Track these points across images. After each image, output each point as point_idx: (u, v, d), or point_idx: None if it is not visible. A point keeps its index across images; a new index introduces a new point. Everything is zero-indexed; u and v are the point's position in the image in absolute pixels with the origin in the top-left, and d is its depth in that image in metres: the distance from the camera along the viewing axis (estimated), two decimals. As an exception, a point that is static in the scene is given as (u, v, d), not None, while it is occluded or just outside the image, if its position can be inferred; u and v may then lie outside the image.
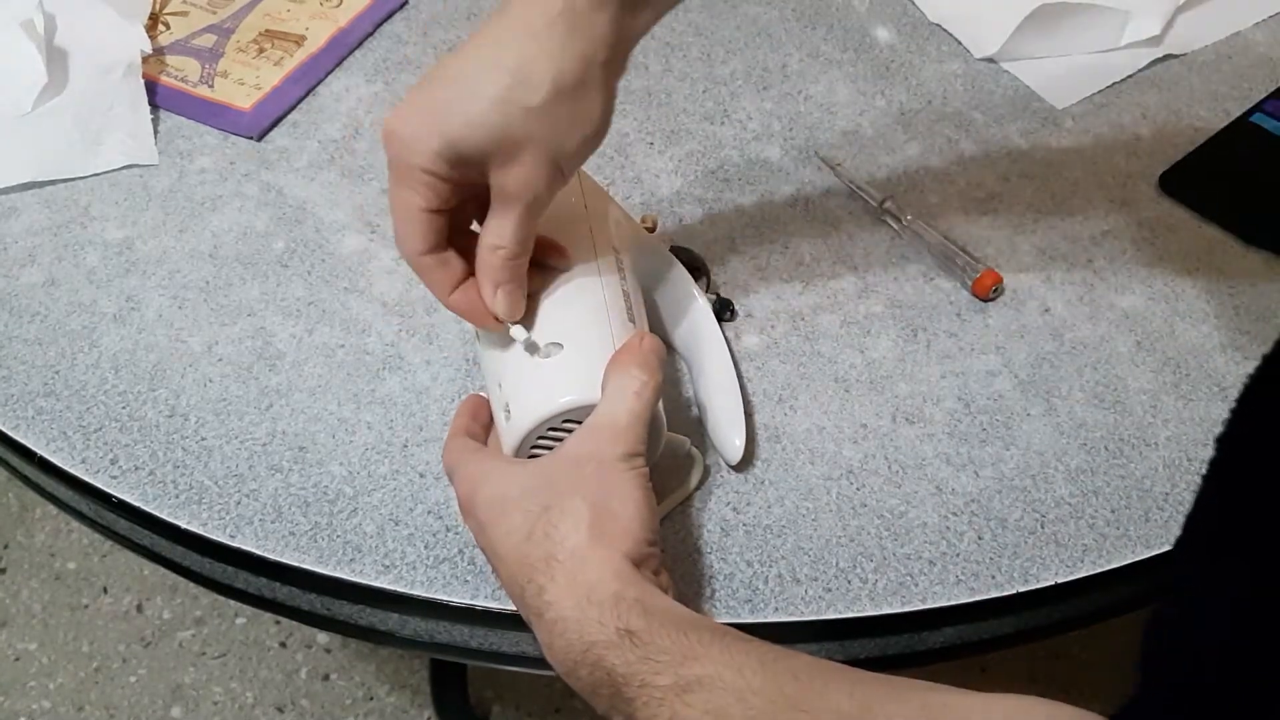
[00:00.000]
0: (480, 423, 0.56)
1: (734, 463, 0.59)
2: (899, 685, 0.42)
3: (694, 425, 0.61)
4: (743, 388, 0.62)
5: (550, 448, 0.52)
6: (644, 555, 0.47)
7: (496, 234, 0.50)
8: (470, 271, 0.52)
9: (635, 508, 0.48)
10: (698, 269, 0.65)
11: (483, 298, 0.52)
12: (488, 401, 0.56)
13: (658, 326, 0.64)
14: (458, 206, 0.51)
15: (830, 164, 0.73)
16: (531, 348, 0.52)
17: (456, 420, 0.56)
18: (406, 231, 0.50)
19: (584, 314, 0.54)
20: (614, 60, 0.50)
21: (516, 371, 0.53)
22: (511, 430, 0.52)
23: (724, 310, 0.65)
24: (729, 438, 0.59)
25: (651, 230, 0.64)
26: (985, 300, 0.67)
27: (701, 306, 0.62)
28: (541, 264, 0.54)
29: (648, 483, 0.50)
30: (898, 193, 0.72)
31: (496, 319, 0.52)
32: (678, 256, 0.64)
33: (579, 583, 0.46)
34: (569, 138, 0.49)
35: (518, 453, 0.53)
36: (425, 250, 0.51)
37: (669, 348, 0.63)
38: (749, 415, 0.61)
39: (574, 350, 0.52)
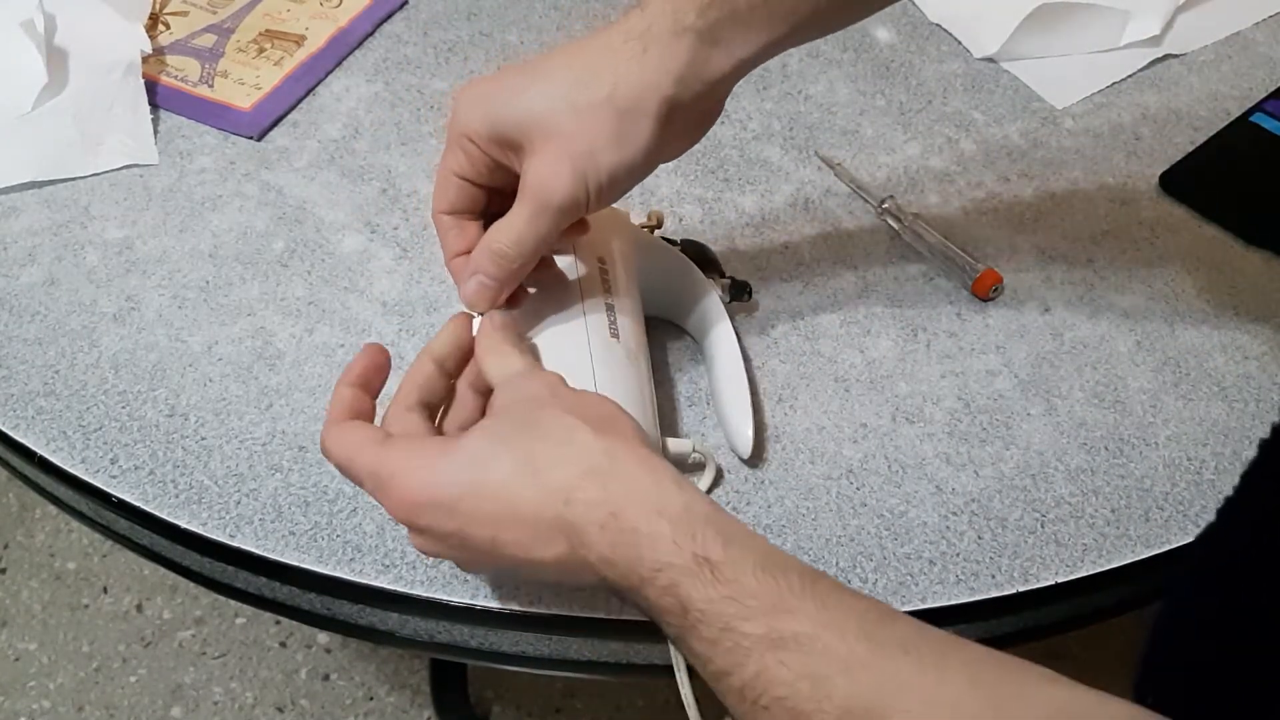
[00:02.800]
0: (371, 393, 0.50)
1: (745, 455, 0.59)
2: (1024, 677, 0.38)
3: (711, 420, 0.62)
4: (752, 380, 0.62)
5: None
6: (652, 446, 0.44)
7: (500, 228, 0.50)
8: None
9: (609, 402, 0.46)
10: (709, 261, 0.65)
11: (464, 276, 0.51)
12: (384, 363, 0.51)
13: (673, 323, 0.65)
14: (496, 191, 0.52)
15: (830, 164, 0.73)
16: None
17: (341, 390, 0.49)
18: (439, 188, 0.52)
19: (563, 339, 0.54)
20: (681, 97, 0.49)
21: None
22: None
23: (741, 292, 0.64)
24: (739, 429, 0.59)
25: (658, 226, 0.64)
26: (985, 300, 0.67)
27: (711, 300, 0.62)
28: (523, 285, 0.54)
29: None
30: (898, 193, 0.72)
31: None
32: (688, 250, 0.63)
33: (635, 487, 0.42)
34: (604, 153, 0.48)
35: None
36: (446, 210, 0.52)
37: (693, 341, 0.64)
38: (759, 410, 0.61)
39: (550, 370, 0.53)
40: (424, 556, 0.56)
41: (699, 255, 0.64)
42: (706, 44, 0.48)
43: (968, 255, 0.67)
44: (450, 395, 0.52)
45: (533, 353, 0.52)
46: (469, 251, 0.52)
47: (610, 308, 0.56)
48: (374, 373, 0.50)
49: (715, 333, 0.61)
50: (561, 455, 0.43)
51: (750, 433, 0.58)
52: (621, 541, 0.41)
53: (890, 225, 0.70)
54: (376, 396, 0.50)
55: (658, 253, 0.62)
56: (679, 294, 0.63)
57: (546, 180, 0.48)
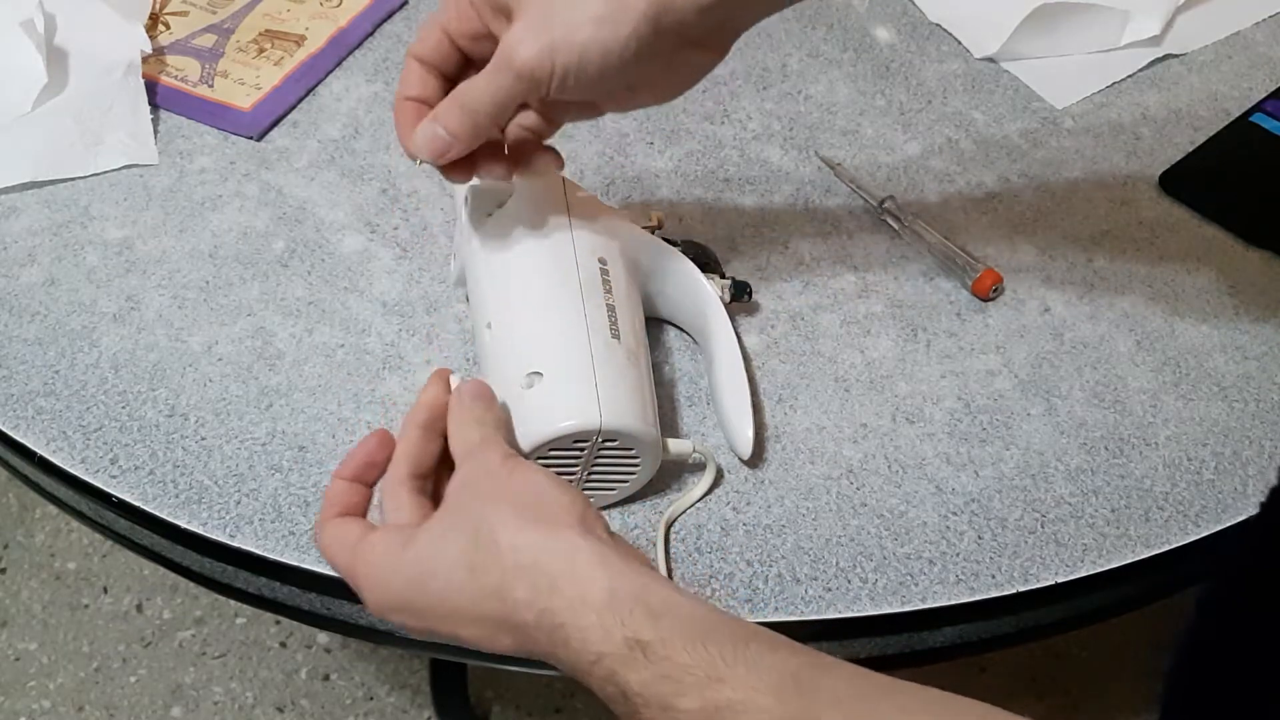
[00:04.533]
0: (364, 489, 0.50)
1: (745, 455, 0.59)
2: (956, 711, 0.39)
3: (711, 420, 0.62)
4: (753, 381, 0.62)
5: (560, 468, 0.54)
6: (590, 519, 0.44)
7: (464, 84, 0.50)
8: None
9: (543, 482, 0.45)
10: (709, 262, 0.65)
11: (422, 120, 0.51)
12: (382, 459, 0.50)
13: (669, 324, 0.65)
14: (472, 64, 0.52)
15: (830, 164, 0.73)
16: (514, 379, 0.54)
17: (334, 486, 0.49)
18: (422, 32, 0.51)
19: (564, 338, 0.55)
20: (677, 4, 0.47)
21: (504, 403, 0.54)
22: None
23: (741, 292, 0.64)
24: (739, 430, 0.59)
25: (659, 227, 0.64)
26: (985, 300, 0.67)
27: (711, 301, 0.62)
28: (523, 286, 0.55)
29: (543, 470, 0.47)
30: (898, 193, 0.72)
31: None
32: (688, 251, 0.63)
33: (559, 581, 0.42)
34: (581, 30, 0.47)
35: None
36: (420, 55, 0.52)
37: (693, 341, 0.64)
38: (759, 410, 0.61)
39: (553, 378, 0.53)
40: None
41: (699, 256, 0.64)
42: None
43: (968, 255, 0.67)
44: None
45: (498, 421, 0.51)
46: (420, 100, 0.52)
47: (611, 309, 0.56)
48: (369, 469, 0.50)
49: (715, 333, 0.61)
50: (492, 555, 0.43)
51: (750, 433, 0.58)
52: (557, 638, 0.42)
53: (890, 225, 0.70)
54: (373, 485, 0.50)
55: (658, 254, 0.62)
56: (679, 295, 0.63)
57: (516, 43, 0.48)
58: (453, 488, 0.48)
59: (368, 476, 0.50)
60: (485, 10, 0.50)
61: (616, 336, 0.55)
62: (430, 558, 0.45)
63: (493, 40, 0.50)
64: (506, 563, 0.43)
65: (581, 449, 0.53)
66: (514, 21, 0.48)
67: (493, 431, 0.49)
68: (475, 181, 0.57)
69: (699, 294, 0.62)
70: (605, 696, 0.42)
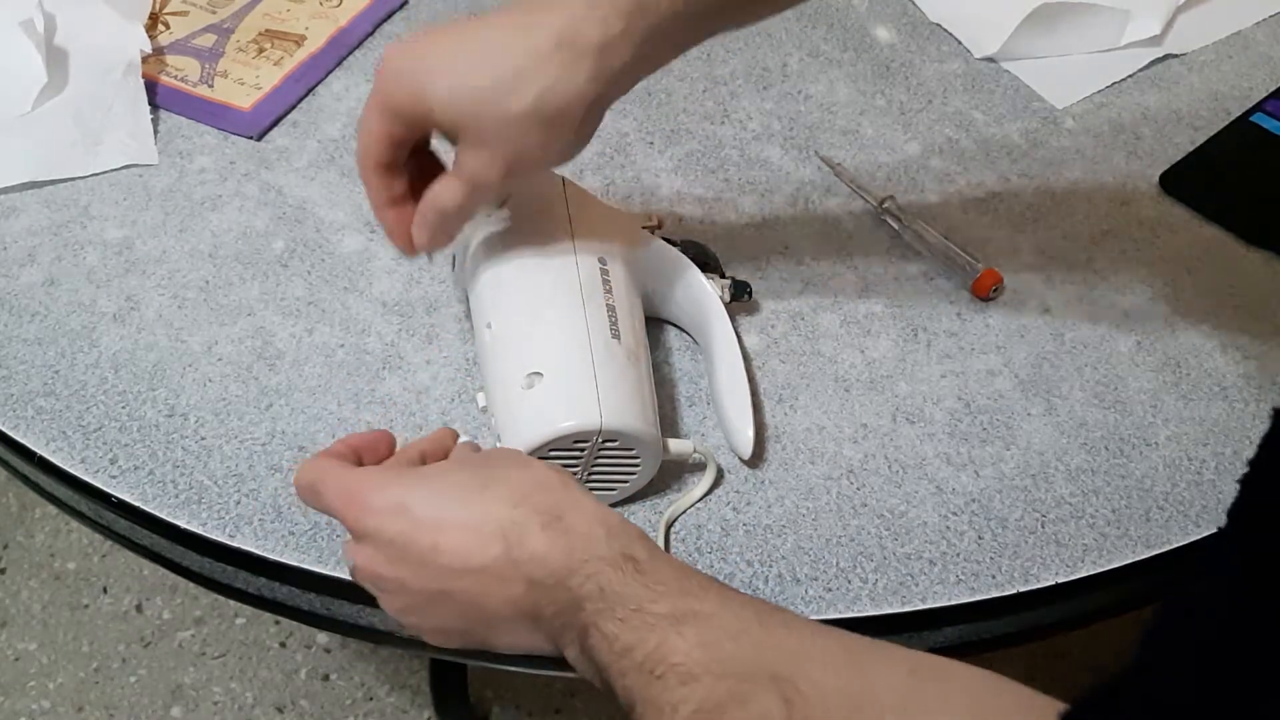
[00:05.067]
0: (361, 459, 0.51)
1: (745, 456, 0.59)
2: (888, 649, 0.42)
3: (711, 420, 0.62)
4: (753, 381, 0.62)
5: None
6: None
7: (442, 192, 0.54)
8: (410, 192, 0.55)
9: (549, 467, 0.48)
10: (710, 261, 0.65)
11: (413, 227, 0.55)
12: (386, 443, 0.52)
13: (670, 324, 0.65)
14: (419, 145, 0.55)
15: (830, 164, 0.73)
16: (514, 380, 0.54)
17: (334, 447, 0.50)
18: (367, 145, 0.53)
19: (564, 338, 0.55)
20: (602, 101, 0.52)
21: (504, 403, 0.55)
22: None
23: (741, 292, 0.64)
24: (740, 430, 0.59)
25: (659, 227, 0.64)
26: (985, 300, 0.67)
27: (711, 301, 0.62)
28: (523, 287, 0.56)
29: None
30: (898, 193, 0.72)
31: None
32: (688, 251, 0.64)
33: (583, 504, 0.45)
34: (533, 152, 0.52)
35: None
36: (375, 167, 0.54)
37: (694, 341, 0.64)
38: (759, 410, 0.61)
39: (552, 379, 0.54)
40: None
41: (700, 256, 0.64)
42: (633, 54, 0.50)
43: (968, 255, 0.67)
44: None
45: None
46: (398, 202, 0.55)
47: (611, 309, 0.56)
48: (371, 447, 0.51)
49: (716, 333, 0.61)
50: (518, 474, 0.47)
51: (750, 433, 0.58)
52: (560, 539, 0.44)
53: (890, 225, 0.70)
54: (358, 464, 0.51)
55: (659, 254, 0.62)
56: (680, 295, 0.63)
57: (481, 172, 0.52)
58: (458, 452, 0.50)
59: (363, 457, 0.50)
60: (425, 125, 0.53)
61: (616, 336, 0.55)
62: (447, 470, 0.48)
63: (428, 126, 0.53)
64: (536, 479, 0.46)
65: (582, 449, 0.53)
66: (463, 146, 0.52)
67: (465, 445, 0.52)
68: None
69: (699, 294, 0.62)
70: (579, 595, 0.44)
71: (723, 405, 0.60)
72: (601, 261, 0.58)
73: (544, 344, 0.55)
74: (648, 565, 0.44)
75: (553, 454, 0.53)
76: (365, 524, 0.46)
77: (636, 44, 0.50)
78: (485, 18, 0.52)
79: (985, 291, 0.66)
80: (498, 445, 0.55)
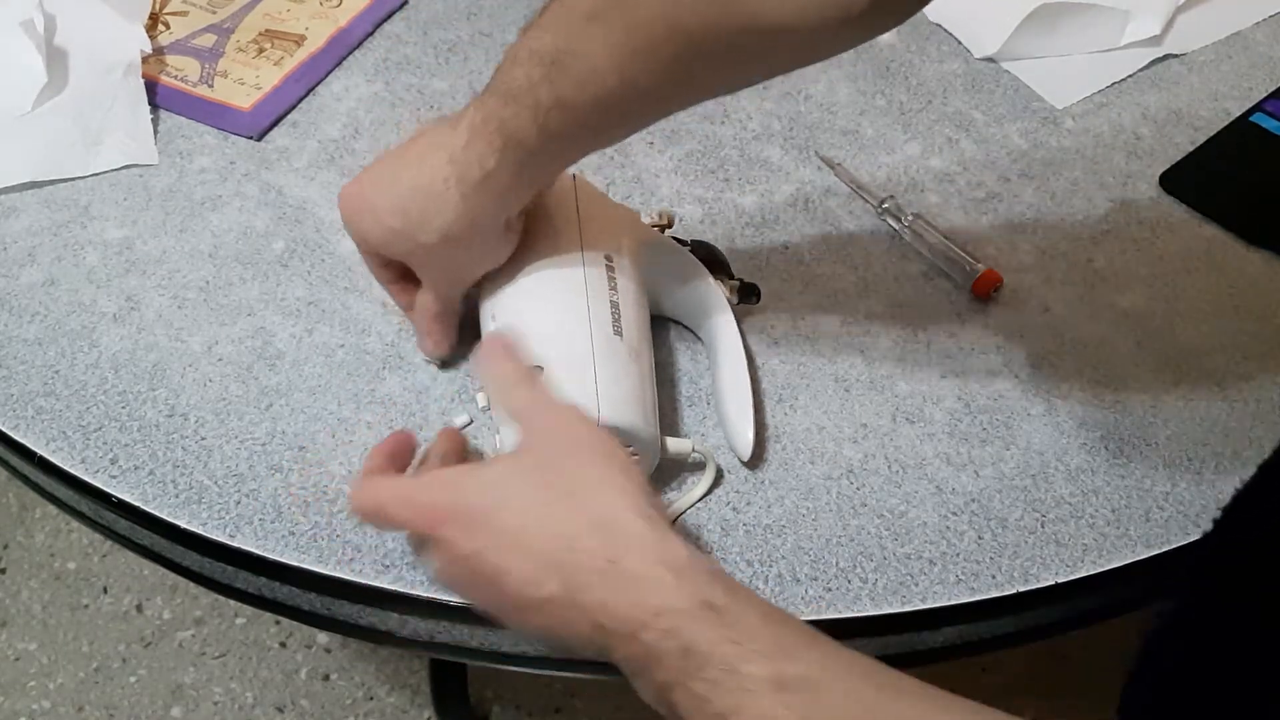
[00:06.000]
0: (399, 465, 0.53)
1: (745, 457, 0.59)
2: None
3: (712, 420, 0.62)
4: (755, 382, 0.62)
5: None
6: (660, 506, 0.45)
7: (421, 301, 0.60)
8: None
9: (627, 456, 0.47)
10: (719, 262, 0.65)
11: (417, 340, 0.63)
12: (410, 444, 0.54)
13: (677, 323, 0.65)
14: None
15: (830, 164, 0.73)
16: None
17: (371, 462, 0.52)
18: (375, 273, 0.61)
19: (566, 334, 0.55)
20: (507, 209, 0.55)
21: None
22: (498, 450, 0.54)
23: (749, 294, 0.64)
24: (740, 431, 0.59)
25: (668, 226, 0.64)
26: (985, 300, 0.67)
27: (716, 301, 0.62)
28: (529, 280, 0.57)
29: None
30: (898, 193, 0.72)
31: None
32: (697, 251, 0.64)
33: (639, 540, 0.43)
34: (462, 267, 0.58)
35: None
36: (385, 281, 0.61)
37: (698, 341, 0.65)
38: (760, 410, 0.61)
39: (554, 372, 0.53)
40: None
41: (709, 256, 0.64)
42: (515, 179, 0.53)
43: (968, 255, 0.67)
44: None
45: (540, 347, 0.54)
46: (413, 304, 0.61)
47: (615, 305, 0.56)
48: (401, 451, 0.53)
49: (720, 334, 0.61)
50: (571, 505, 0.44)
51: (751, 435, 0.58)
52: (621, 587, 0.42)
53: (890, 225, 0.70)
54: (403, 472, 0.53)
55: (667, 252, 0.62)
56: (686, 294, 0.63)
57: (434, 285, 0.59)
58: (525, 444, 0.48)
59: (400, 459, 0.53)
60: (393, 259, 0.59)
61: (619, 333, 0.55)
62: (512, 485, 0.46)
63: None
64: (587, 513, 0.44)
65: None
66: (414, 268, 0.58)
67: (544, 387, 0.52)
68: None
69: (705, 294, 0.62)
70: (656, 653, 0.41)
71: (724, 405, 0.60)
72: (608, 258, 0.58)
73: (545, 338, 0.55)
74: (731, 613, 0.40)
75: None
76: (438, 534, 0.46)
77: (514, 172, 0.53)
78: (401, 151, 0.56)
79: (985, 291, 0.66)
80: (496, 439, 0.55)
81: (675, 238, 0.63)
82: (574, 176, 0.60)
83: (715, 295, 0.62)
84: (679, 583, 0.41)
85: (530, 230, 0.58)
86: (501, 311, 0.57)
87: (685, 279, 0.63)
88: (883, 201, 0.70)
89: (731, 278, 0.64)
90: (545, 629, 0.45)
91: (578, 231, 0.58)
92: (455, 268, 0.58)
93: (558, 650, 0.48)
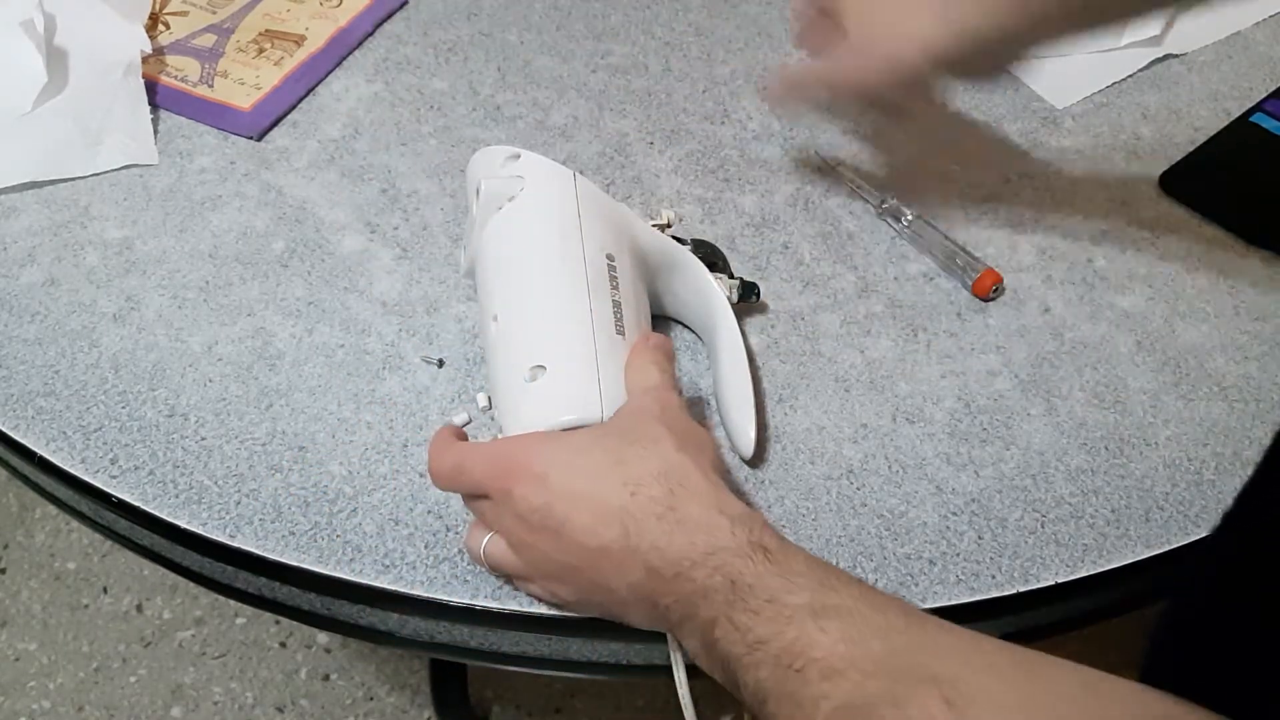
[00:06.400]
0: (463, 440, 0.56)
1: (747, 455, 0.59)
2: (1056, 661, 0.40)
3: (714, 421, 0.61)
4: (756, 380, 0.62)
5: None
6: (724, 473, 0.48)
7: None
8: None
9: (711, 437, 0.49)
10: (718, 261, 0.65)
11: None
12: (461, 431, 0.57)
13: (674, 323, 0.65)
14: None
15: (830, 164, 0.73)
16: (518, 372, 0.54)
17: (442, 434, 0.55)
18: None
19: (568, 332, 0.55)
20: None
21: (505, 394, 0.55)
22: None
23: (749, 293, 0.64)
24: (742, 430, 0.59)
25: (669, 225, 0.64)
26: (985, 300, 0.67)
27: (717, 299, 0.62)
28: (530, 279, 0.57)
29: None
30: (898, 193, 0.72)
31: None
32: (698, 250, 0.64)
33: (701, 492, 0.45)
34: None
35: None
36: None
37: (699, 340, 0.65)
38: (761, 409, 0.61)
39: (556, 372, 0.54)
40: (424, 557, 0.56)
41: (709, 255, 0.64)
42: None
43: (968, 255, 0.67)
44: None
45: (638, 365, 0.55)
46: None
47: (617, 305, 0.56)
48: (461, 435, 0.55)
49: (721, 333, 0.61)
50: (641, 455, 0.47)
51: (753, 434, 0.58)
52: (678, 530, 0.44)
53: (890, 225, 0.70)
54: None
55: (667, 252, 0.62)
56: (687, 294, 0.63)
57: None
58: (623, 409, 0.52)
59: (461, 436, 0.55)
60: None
61: (621, 333, 0.56)
62: (584, 446, 0.48)
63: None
64: (651, 467, 0.47)
65: None
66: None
67: (670, 380, 0.54)
68: (487, 175, 0.58)
69: (706, 293, 0.62)
70: (703, 589, 0.43)
71: (725, 405, 0.60)
72: (609, 258, 0.58)
73: (548, 337, 0.55)
74: (779, 555, 0.43)
75: None
76: (513, 492, 0.48)
77: None
78: None
79: (985, 291, 0.66)
80: (498, 438, 0.56)
81: (675, 237, 0.63)
82: (574, 176, 0.60)
83: (716, 294, 0.62)
84: (733, 527, 0.44)
85: (531, 229, 0.58)
86: (503, 311, 0.57)
87: (685, 278, 0.63)
88: (883, 201, 0.70)
89: (731, 276, 0.64)
90: (595, 584, 0.47)
91: (579, 230, 0.58)
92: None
93: (602, 613, 0.50)
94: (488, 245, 0.59)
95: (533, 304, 0.56)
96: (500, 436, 0.55)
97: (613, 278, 0.57)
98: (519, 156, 0.59)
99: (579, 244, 0.57)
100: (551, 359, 0.54)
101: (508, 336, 0.56)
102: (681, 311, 0.64)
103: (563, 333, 0.55)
